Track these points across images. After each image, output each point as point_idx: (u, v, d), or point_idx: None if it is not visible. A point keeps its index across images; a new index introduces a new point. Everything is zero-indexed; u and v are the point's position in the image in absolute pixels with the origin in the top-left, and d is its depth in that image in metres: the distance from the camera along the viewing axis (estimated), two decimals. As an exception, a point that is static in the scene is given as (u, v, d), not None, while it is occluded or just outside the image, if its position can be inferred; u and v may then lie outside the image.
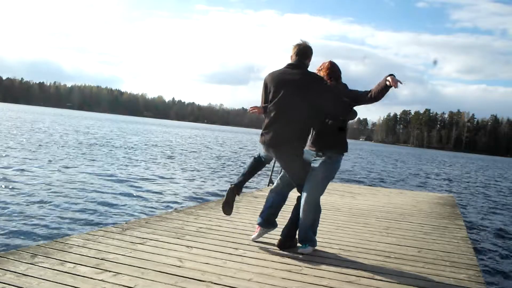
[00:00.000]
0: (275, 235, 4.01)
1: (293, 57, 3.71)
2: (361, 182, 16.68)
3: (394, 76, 3.58)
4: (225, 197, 3.90)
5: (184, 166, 16.99)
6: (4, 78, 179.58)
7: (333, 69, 3.90)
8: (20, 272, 2.76)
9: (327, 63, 3.92)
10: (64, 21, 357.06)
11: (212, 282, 2.89)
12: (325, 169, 3.80)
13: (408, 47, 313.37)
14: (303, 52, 3.70)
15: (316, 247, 3.88)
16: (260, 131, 3.80)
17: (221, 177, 14.49)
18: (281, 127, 3.61)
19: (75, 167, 13.02)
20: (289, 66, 3.70)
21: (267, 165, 4.30)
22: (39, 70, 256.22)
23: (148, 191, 10.24)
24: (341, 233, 4.72)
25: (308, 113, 3.63)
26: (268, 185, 7.62)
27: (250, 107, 3.92)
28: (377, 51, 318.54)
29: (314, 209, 3.82)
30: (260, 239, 3.99)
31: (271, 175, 7.86)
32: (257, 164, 4.02)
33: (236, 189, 3.89)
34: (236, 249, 3.72)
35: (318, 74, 3.84)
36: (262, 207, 4.01)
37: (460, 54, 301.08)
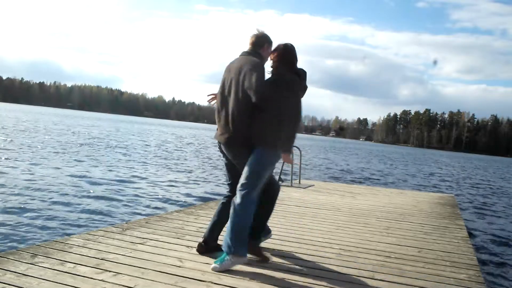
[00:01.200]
0: (275, 235, 4.00)
1: (248, 46, 3.50)
2: (361, 182, 16.67)
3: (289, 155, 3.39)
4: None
5: (184, 166, 16.98)
6: (4, 78, 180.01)
7: (283, 55, 3.41)
8: (20, 272, 2.76)
9: (281, 46, 3.45)
10: (64, 21, 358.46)
11: (212, 282, 2.89)
12: (254, 162, 3.25)
13: (408, 47, 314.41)
14: (256, 41, 3.43)
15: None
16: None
17: (221, 177, 14.47)
18: (225, 119, 3.35)
19: (75, 167, 13.01)
20: (242, 53, 3.48)
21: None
22: (39, 70, 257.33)
23: (147, 191, 10.23)
24: (342, 233, 4.72)
25: (246, 102, 3.22)
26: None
27: (209, 97, 3.64)
28: (377, 51, 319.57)
29: (243, 209, 3.19)
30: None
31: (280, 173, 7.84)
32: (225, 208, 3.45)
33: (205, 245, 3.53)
34: (236, 249, 3.71)
35: (260, 59, 3.39)
36: None
37: (460, 54, 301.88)
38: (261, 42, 3.43)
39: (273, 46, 3.49)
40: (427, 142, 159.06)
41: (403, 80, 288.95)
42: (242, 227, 3.19)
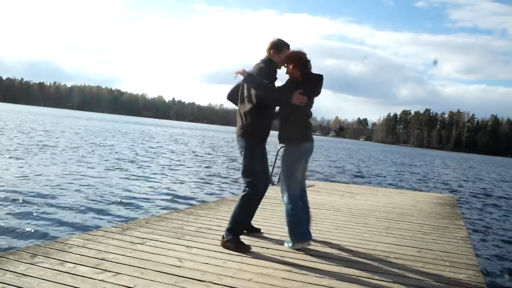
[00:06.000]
0: (275, 235, 4.01)
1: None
2: (362, 183, 16.67)
3: None
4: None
5: (184, 166, 16.98)
6: (4, 78, 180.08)
7: (292, 58, 3.82)
8: (20, 272, 2.76)
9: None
10: (64, 21, 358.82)
11: (212, 282, 2.89)
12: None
13: (408, 47, 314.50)
14: (267, 47, 3.87)
15: (311, 246, 3.87)
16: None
17: (222, 177, 14.48)
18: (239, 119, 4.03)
19: (75, 167, 13.01)
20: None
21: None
22: (39, 70, 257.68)
23: (148, 191, 10.23)
24: (341, 233, 4.72)
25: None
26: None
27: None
28: (376, 51, 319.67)
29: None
30: (260, 240, 4.02)
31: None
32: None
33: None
34: (236, 249, 3.71)
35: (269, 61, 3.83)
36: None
37: (460, 54, 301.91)
38: (268, 47, 3.84)
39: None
40: (427, 142, 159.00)
41: (403, 80, 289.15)
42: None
